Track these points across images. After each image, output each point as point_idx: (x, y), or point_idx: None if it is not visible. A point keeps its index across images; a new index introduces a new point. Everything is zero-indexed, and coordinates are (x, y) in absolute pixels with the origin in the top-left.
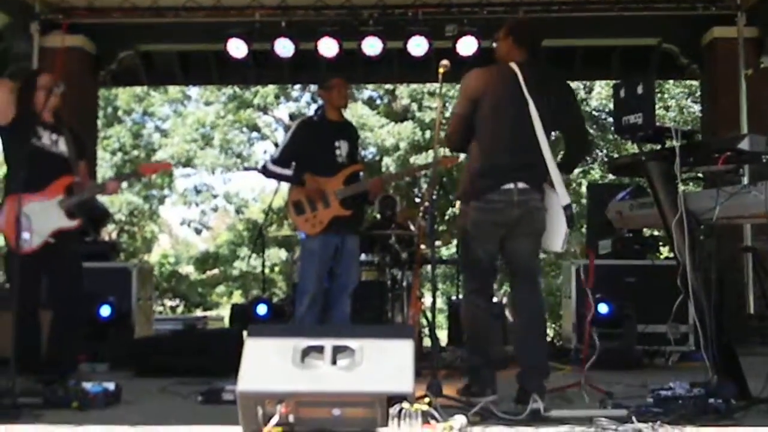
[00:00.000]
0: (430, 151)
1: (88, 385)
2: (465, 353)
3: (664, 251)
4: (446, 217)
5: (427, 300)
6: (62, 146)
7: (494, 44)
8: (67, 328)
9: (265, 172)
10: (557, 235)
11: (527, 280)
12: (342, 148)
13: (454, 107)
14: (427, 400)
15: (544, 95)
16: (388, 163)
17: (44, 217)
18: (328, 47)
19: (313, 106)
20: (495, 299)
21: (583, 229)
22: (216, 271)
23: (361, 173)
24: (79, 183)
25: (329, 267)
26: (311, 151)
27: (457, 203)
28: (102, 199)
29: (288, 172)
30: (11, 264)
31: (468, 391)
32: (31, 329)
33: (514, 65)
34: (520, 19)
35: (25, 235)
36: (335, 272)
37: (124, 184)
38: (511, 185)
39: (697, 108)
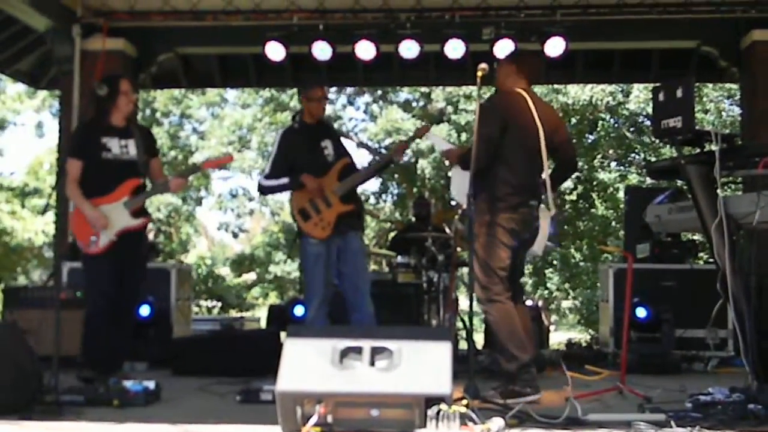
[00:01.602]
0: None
1: (128, 384)
2: (505, 355)
3: (703, 255)
4: None
5: (462, 302)
6: (132, 150)
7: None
8: (122, 326)
9: (261, 189)
10: (541, 241)
11: (521, 289)
12: (328, 147)
13: (481, 130)
14: (464, 402)
15: (545, 119)
16: (424, 165)
17: (111, 219)
18: (365, 50)
19: (350, 109)
20: (530, 302)
21: (621, 233)
22: (252, 275)
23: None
24: (145, 184)
25: (336, 269)
26: (300, 157)
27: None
28: None
29: (284, 180)
30: (86, 263)
31: (509, 391)
32: (104, 328)
33: (522, 92)
34: (523, 50)
35: (92, 237)
36: (343, 273)
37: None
38: (534, 202)
39: (736, 111)
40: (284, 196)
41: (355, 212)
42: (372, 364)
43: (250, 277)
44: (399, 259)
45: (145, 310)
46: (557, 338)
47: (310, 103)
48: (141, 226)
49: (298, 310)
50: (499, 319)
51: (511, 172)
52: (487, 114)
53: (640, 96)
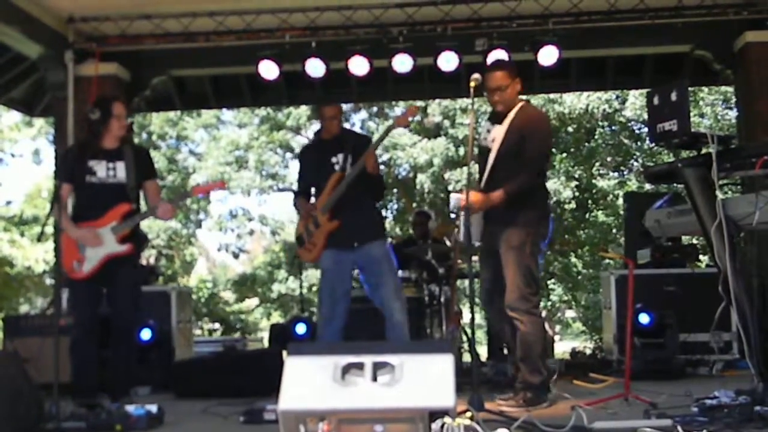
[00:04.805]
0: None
1: (130, 408)
2: (531, 367)
3: (704, 259)
4: None
5: (465, 314)
6: (120, 173)
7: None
8: (120, 353)
9: (295, 207)
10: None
11: None
12: (339, 162)
13: (548, 141)
14: (468, 414)
15: None
16: (423, 180)
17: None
18: (358, 66)
19: (346, 125)
20: None
21: (622, 240)
22: (255, 299)
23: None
24: (136, 208)
25: (347, 285)
26: (310, 174)
27: None
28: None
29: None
30: (72, 289)
31: (530, 401)
32: (87, 353)
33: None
34: (515, 63)
35: (76, 262)
36: (369, 285)
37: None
38: None
39: (732, 115)
40: (284, 216)
41: (362, 224)
42: (374, 379)
43: (253, 302)
44: (400, 273)
45: (146, 334)
46: (562, 348)
47: (323, 121)
48: (127, 252)
49: (300, 329)
50: (534, 331)
51: (544, 180)
52: (548, 135)
53: (636, 103)
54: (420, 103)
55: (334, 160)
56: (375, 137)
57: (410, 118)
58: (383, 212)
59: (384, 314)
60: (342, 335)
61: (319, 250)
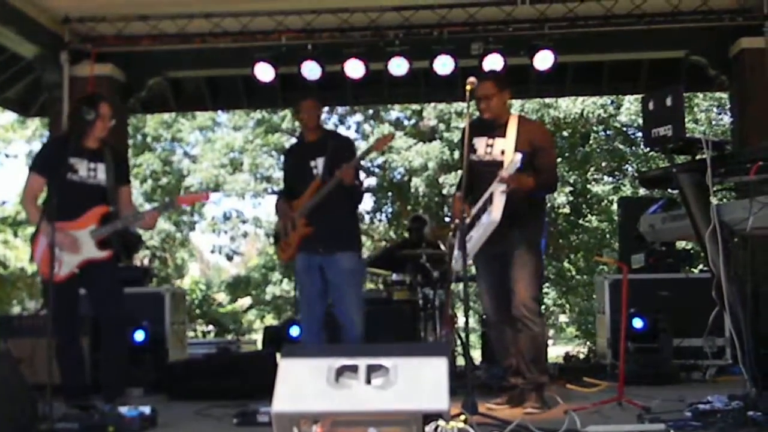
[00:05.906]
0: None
1: (123, 409)
2: (540, 367)
3: (699, 264)
4: None
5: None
6: (101, 175)
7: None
8: (110, 352)
9: (275, 207)
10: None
11: None
12: (319, 165)
13: (555, 156)
14: (462, 417)
15: None
16: (417, 183)
17: (76, 245)
18: (354, 69)
19: (341, 128)
20: None
21: (616, 245)
22: (248, 299)
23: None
24: (115, 212)
25: (320, 288)
26: (290, 177)
27: None
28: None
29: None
30: (47, 293)
31: (545, 402)
32: (72, 356)
33: None
34: (502, 72)
35: (54, 264)
36: (331, 295)
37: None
38: None
39: (726, 120)
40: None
41: (335, 232)
42: (368, 382)
43: (246, 302)
44: (394, 276)
45: (139, 335)
46: (555, 352)
47: (301, 114)
48: (106, 258)
49: (294, 331)
50: (543, 333)
51: None
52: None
53: (631, 108)
54: (415, 107)
55: (313, 164)
56: (360, 151)
57: (386, 145)
58: (378, 215)
59: (344, 324)
60: (323, 336)
61: (292, 251)
